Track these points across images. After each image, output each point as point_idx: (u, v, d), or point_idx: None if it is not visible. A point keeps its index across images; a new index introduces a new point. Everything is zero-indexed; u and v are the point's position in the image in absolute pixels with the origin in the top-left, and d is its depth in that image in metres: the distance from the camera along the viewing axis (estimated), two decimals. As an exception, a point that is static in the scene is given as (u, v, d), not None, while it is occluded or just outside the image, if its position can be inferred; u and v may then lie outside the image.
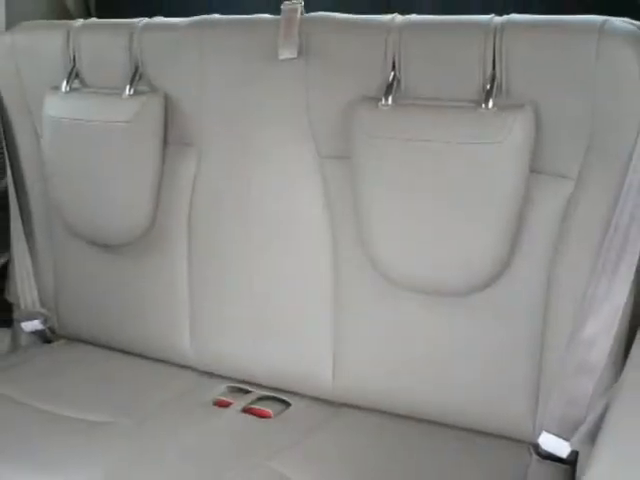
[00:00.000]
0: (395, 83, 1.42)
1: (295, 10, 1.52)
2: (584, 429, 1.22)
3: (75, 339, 1.91)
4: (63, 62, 1.75)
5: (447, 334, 1.46)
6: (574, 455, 1.30)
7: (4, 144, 1.87)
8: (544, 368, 1.39)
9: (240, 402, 1.61)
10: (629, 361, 1.11)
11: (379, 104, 1.42)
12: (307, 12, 1.54)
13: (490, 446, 1.44)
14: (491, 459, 1.40)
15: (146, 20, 1.71)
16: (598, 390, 1.29)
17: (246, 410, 1.59)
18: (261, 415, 1.58)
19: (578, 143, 1.32)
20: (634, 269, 1.26)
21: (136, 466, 1.41)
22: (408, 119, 1.41)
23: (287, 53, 1.51)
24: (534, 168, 1.34)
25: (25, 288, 1.91)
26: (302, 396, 1.62)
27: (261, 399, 1.63)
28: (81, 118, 1.72)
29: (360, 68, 1.47)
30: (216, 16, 1.66)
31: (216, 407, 1.61)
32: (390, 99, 1.42)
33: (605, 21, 1.29)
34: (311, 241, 1.56)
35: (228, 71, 1.60)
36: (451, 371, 1.47)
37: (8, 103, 1.86)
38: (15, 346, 1.99)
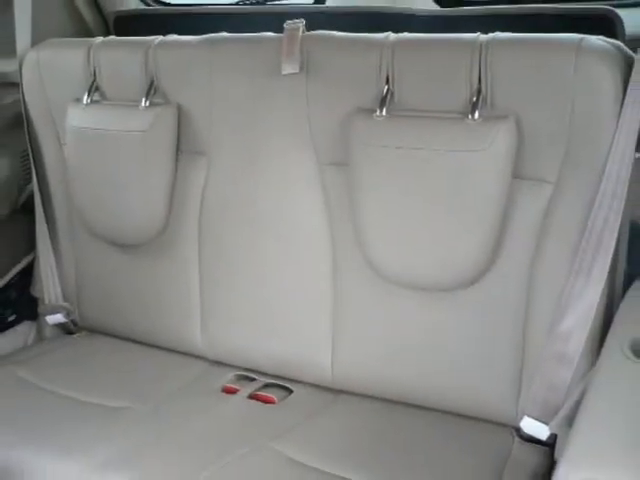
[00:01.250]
0: (389, 96, 1.43)
1: (297, 29, 1.52)
2: (562, 414, 1.22)
3: (95, 331, 1.91)
4: (84, 76, 1.76)
5: (437, 327, 1.46)
6: (553, 437, 1.30)
7: (30, 152, 1.87)
8: (525, 358, 1.39)
9: (247, 389, 1.61)
10: (603, 352, 1.11)
11: (374, 115, 1.42)
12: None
13: (476, 429, 1.44)
14: (477, 441, 1.41)
15: (160, 38, 1.71)
16: (575, 378, 1.29)
17: (252, 396, 1.59)
18: (266, 401, 1.58)
19: (557, 151, 1.33)
20: (607, 269, 1.26)
21: (152, 448, 1.41)
22: (401, 129, 1.41)
23: (289, 68, 1.51)
24: (516, 174, 1.35)
25: (49, 284, 1.91)
26: (304, 383, 1.62)
27: (266, 386, 1.63)
28: (101, 128, 1.72)
29: (357, 82, 1.47)
30: (224, 34, 1.66)
31: (224, 394, 1.61)
32: (384, 110, 1.42)
33: (582, 39, 1.29)
34: (312, 242, 1.57)
35: (235, 85, 1.60)
36: (440, 361, 1.47)
37: (34, 114, 1.86)
38: (40, 337, 1.99)
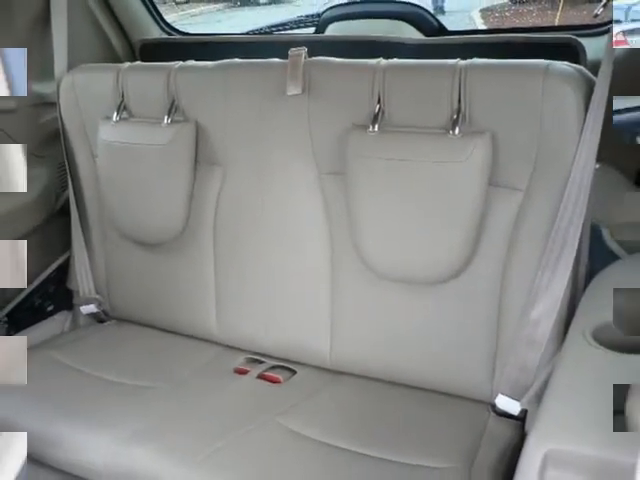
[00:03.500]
0: (380, 114, 1.43)
1: (300, 55, 1.53)
2: (532, 392, 1.23)
3: (124, 320, 1.91)
4: (114, 97, 1.75)
5: (422, 316, 1.46)
6: (524, 413, 1.31)
7: (66, 163, 1.88)
8: (499, 343, 1.39)
9: (256, 370, 1.61)
10: (567, 338, 1.12)
11: (367, 130, 1.43)
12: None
13: (456, 405, 1.44)
14: (457, 416, 1.41)
15: (181, 63, 1.71)
16: (543, 361, 1.29)
17: (260, 376, 1.59)
18: (272, 381, 1.58)
19: (527, 162, 1.33)
20: (571, 265, 1.27)
21: (173, 422, 1.42)
22: (391, 143, 1.42)
23: (293, 90, 1.51)
24: (492, 182, 1.35)
25: (83, 278, 1.90)
26: (306, 365, 1.62)
27: (273, 368, 1.63)
28: (128, 142, 1.72)
29: (352, 102, 1.47)
30: (237, 60, 1.66)
31: (236, 374, 1.61)
32: (376, 126, 1.42)
33: (549, 64, 1.30)
34: (313, 242, 1.56)
35: (246, 104, 1.60)
36: (425, 345, 1.47)
37: (69, 129, 1.86)
38: (75, 325, 1.99)
